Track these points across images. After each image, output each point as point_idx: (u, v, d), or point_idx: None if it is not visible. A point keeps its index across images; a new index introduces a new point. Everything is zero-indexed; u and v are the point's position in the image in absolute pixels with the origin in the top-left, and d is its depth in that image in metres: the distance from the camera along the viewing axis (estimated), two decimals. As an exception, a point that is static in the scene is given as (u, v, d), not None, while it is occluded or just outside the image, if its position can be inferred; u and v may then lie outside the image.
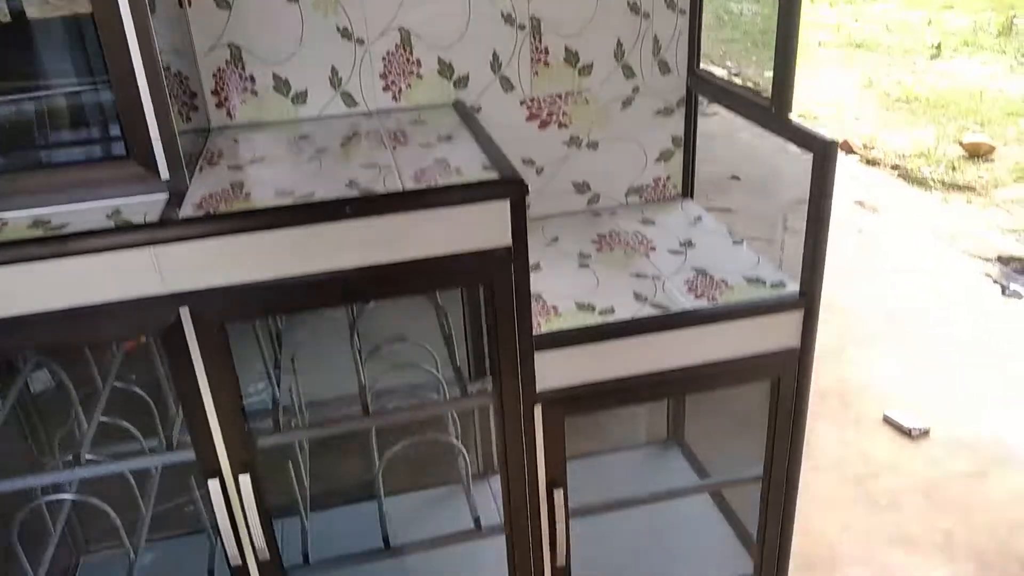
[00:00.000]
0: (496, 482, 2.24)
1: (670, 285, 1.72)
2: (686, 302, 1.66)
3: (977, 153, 5.20)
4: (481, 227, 1.41)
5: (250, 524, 1.54)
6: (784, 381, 1.72)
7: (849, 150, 5.27)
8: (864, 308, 3.52)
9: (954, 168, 5.07)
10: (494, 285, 1.45)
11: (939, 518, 2.48)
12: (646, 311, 1.64)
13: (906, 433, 2.83)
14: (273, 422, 1.59)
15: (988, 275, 3.81)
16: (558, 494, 1.67)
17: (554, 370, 1.58)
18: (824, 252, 1.61)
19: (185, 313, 1.36)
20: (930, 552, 2.38)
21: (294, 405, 1.93)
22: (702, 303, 1.65)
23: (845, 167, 4.88)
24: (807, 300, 1.64)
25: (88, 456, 1.73)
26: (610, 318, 1.62)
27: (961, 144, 5.31)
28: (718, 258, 1.82)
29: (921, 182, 4.93)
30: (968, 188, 4.83)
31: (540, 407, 1.60)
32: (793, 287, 1.68)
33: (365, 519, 1.82)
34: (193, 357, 1.40)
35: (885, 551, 2.39)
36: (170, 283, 1.34)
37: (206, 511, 1.79)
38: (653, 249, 1.87)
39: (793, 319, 1.66)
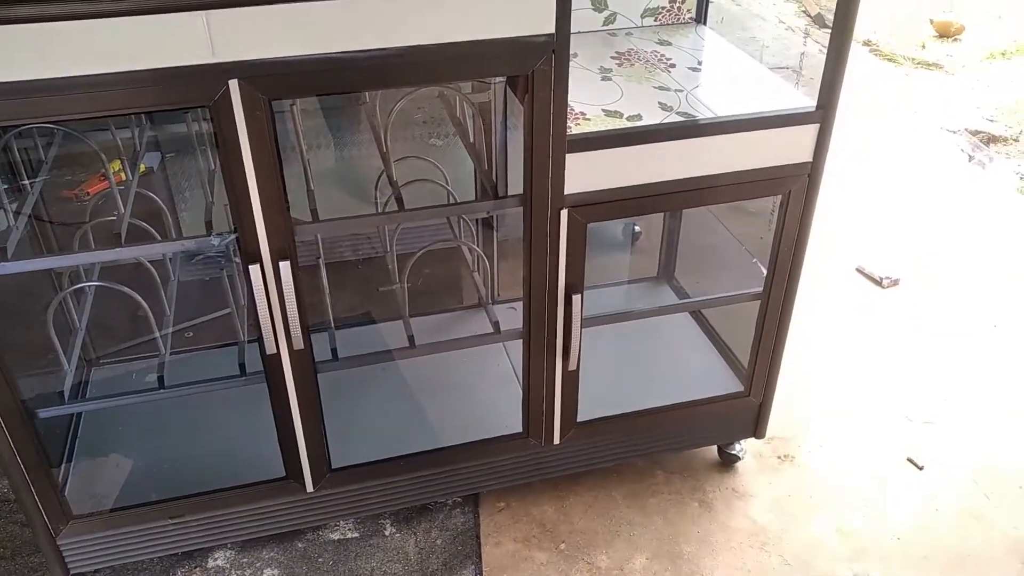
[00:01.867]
0: (499, 308, 2.34)
1: (693, 98, 1.76)
2: (709, 113, 1.71)
3: (947, 33, 5.28)
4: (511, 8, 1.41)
5: (288, 310, 1.59)
6: (794, 195, 1.80)
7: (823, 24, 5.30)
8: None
9: (923, 47, 5.15)
10: (534, 74, 1.47)
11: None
12: (673, 119, 1.68)
13: (877, 282, 2.99)
14: (311, 211, 1.61)
15: (957, 146, 3.94)
16: (576, 299, 1.75)
17: (582, 175, 1.63)
18: (844, 69, 1.67)
19: (234, 86, 1.36)
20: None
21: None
22: (725, 110, 1.71)
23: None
24: (823, 114, 1.71)
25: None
26: (639, 123, 1.66)
27: (932, 22, 5.38)
28: (737, 75, 1.87)
29: (891, 59, 5.01)
30: (936, 66, 4.93)
31: (566, 212, 1.66)
32: (810, 102, 1.74)
33: (388, 333, 1.89)
34: (240, 133, 1.41)
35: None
36: (220, 52, 1.33)
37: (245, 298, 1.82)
38: (673, 66, 1.90)
39: (808, 133, 1.73)
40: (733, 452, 2.23)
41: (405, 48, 1.40)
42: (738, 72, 1.91)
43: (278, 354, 1.66)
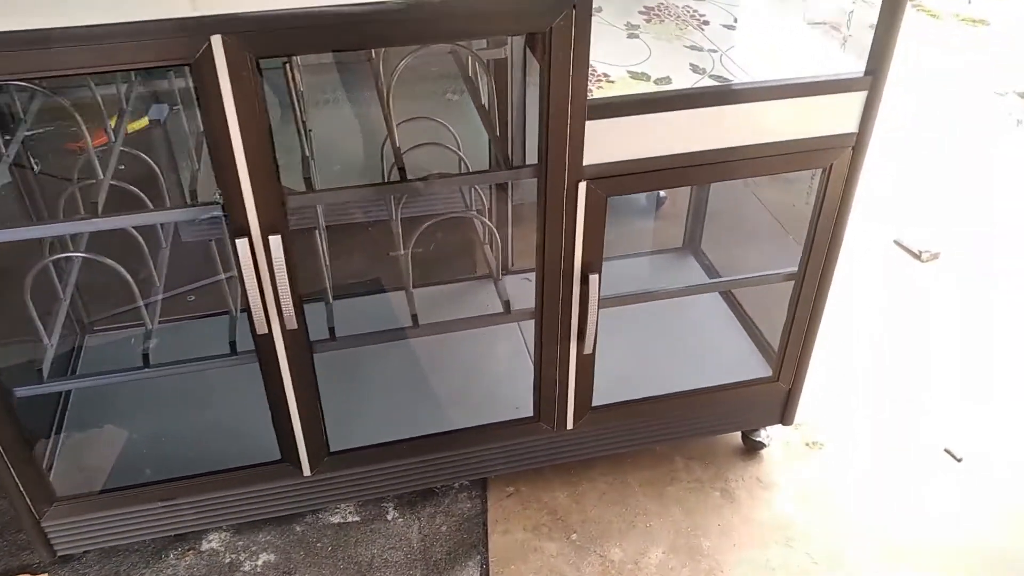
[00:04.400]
0: (512, 279, 2.20)
1: (728, 59, 1.60)
2: (746, 76, 1.55)
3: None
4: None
5: (279, 289, 1.47)
6: (836, 169, 1.64)
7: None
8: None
9: (970, 1, 4.88)
10: (552, 32, 1.32)
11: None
12: (705, 83, 1.52)
13: (916, 256, 2.82)
14: (305, 180, 1.48)
15: (1005, 110, 3.72)
16: (593, 280, 1.62)
17: (603, 144, 1.48)
18: (897, 31, 1.50)
19: (217, 43, 1.22)
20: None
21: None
22: (761, 73, 1.55)
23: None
24: (872, 80, 1.54)
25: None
26: (667, 87, 1.50)
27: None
28: (777, 34, 1.69)
29: (934, 15, 4.75)
30: (983, 22, 4.67)
31: (584, 185, 1.51)
32: (858, 67, 1.57)
33: (391, 305, 1.76)
34: (224, 96, 1.27)
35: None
36: (201, 4, 1.19)
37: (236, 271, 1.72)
38: (707, 23, 1.73)
39: (855, 102, 1.56)
40: (758, 439, 2.10)
41: (408, 2, 1.25)
42: (778, 30, 1.74)
43: (270, 334, 1.55)
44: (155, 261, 1.82)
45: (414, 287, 1.73)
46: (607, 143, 1.49)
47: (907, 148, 3.41)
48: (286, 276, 1.45)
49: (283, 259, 1.43)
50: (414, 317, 1.65)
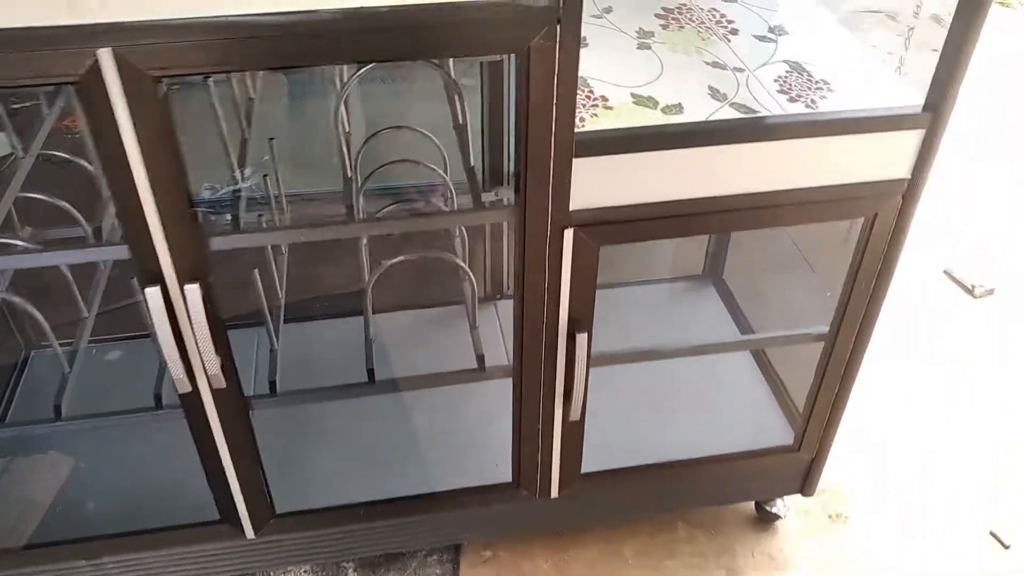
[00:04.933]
0: (505, 306, 1.95)
1: (756, 82, 1.32)
2: (776, 105, 1.27)
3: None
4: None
5: (200, 346, 1.23)
6: (881, 220, 1.36)
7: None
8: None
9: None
10: (531, 53, 1.06)
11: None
12: (724, 113, 1.25)
13: (969, 291, 2.52)
14: (232, 219, 1.24)
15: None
16: (581, 339, 1.36)
17: (596, 184, 1.22)
18: (967, 60, 1.21)
19: (107, 58, 0.98)
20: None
21: (271, 198, 1.59)
22: (797, 108, 1.27)
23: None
24: (932, 118, 1.25)
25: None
26: (677, 118, 1.23)
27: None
28: (820, 51, 1.41)
29: (1003, 2, 4.36)
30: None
31: (572, 232, 1.25)
32: (915, 99, 1.28)
33: (350, 336, 1.51)
34: (120, 123, 1.03)
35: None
36: (82, 10, 0.95)
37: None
38: (735, 32, 1.45)
39: (909, 142, 1.28)
40: (773, 510, 1.84)
41: (343, 11, 0.99)
42: (820, 47, 1.45)
43: (196, 392, 1.32)
44: (89, 287, 1.60)
45: (385, 311, 1.49)
46: (600, 184, 1.23)
47: (961, 165, 3.07)
48: (207, 331, 1.22)
49: (203, 312, 1.20)
50: (370, 373, 1.41)
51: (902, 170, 1.31)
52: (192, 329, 1.21)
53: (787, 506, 1.85)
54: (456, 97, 1.36)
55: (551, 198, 1.21)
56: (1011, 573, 1.77)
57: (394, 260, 1.42)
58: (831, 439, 1.70)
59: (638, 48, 1.40)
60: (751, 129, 1.22)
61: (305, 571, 1.74)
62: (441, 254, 1.39)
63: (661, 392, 1.83)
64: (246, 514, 1.53)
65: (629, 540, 1.82)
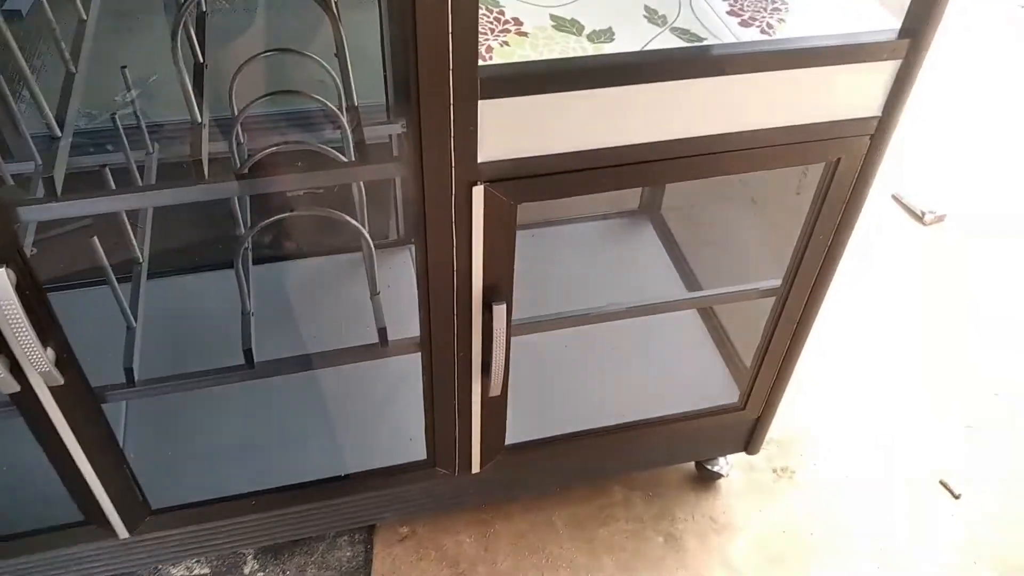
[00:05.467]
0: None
1: (701, 1, 1.09)
2: (725, 31, 1.05)
3: None
4: None
5: (20, 343, 0.99)
6: (845, 164, 1.16)
7: None
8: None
9: None
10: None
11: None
12: (664, 40, 1.02)
13: (918, 217, 2.37)
14: (44, 183, 0.98)
15: None
16: (499, 311, 1.15)
17: (509, 131, 0.99)
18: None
19: None
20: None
21: (124, 140, 1.32)
22: (751, 34, 1.05)
23: None
24: (911, 47, 1.04)
25: None
26: (607, 47, 1.00)
27: None
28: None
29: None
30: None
31: (481, 190, 1.03)
32: (889, 23, 1.07)
33: (230, 293, 1.27)
34: None
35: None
36: None
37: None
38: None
39: (881, 75, 1.07)
40: (715, 469, 1.70)
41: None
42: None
43: (30, 390, 1.08)
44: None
45: (276, 259, 1.25)
46: (514, 131, 1.00)
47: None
48: (28, 325, 0.97)
49: (16, 303, 0.95)
50: (248, 355, 1.18)
51: (872, 108, 1.11)
52: (7, 323, 0.97)
53: (730, 463, 1.71)
54: (331, 17, 1.09)
55: (453, 150, 0.98)
56: (960, 524, 1.68)
57: (267, 221, 1.17)
58: (779, 397, 1.55)
59: (558, -46, 1.15)
60: (695, 63, 1.00)
61: (197, 562, 1.55)
62: (327, 211, 1.15)
63: (593, 350, 1.65)
64: (115, 513, 1.32)
65: (560, 508, 1.67)
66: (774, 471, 1.76)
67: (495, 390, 1.27)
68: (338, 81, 1.22)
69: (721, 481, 1.73)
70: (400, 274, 1.73)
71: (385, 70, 1.52)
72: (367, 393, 1.50)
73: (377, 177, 1.06)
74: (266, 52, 1.31)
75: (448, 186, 1.02)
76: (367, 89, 1.54)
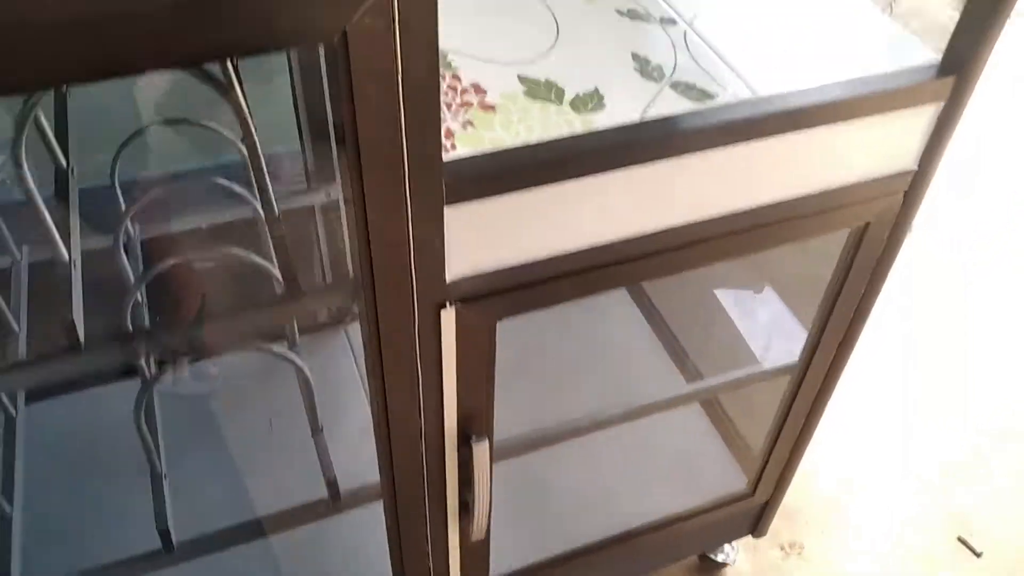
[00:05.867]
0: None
1: (697, 39, 0.88)
2: (731, 76, 0.84)
3: None
4: None
5: None
6: (874, 229, 0.97)
7: None
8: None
9: None
10: (348, 41, 0.57)
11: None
12: (665, 100, 0.80)
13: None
14: None
15: None
16: (480, 449, 0.92)
17: (484, 238, 0.76)
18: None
19: None
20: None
21: None
22: (763, 79, 0.84)
23: None
24: (956, 84, 0.86)
25: None
26: (596, 116, 0.78)
27: None
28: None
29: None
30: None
31: (452, 312, 0.79)
32: (926, 58, 0.88)
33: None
34: None
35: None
36: None
37: None
38: (654, -30, 0.99)
39: (920, 120, 0.89)
40: (720, 558, 1.50)
41: None
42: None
43: None
44: None
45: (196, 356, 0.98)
46: (489, 239, 0.77)
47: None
48: None
49: None
50: (164, 536, 0.91)
51: (906, 160, 0.92)
52: None
53: (735, 548, 1.51)
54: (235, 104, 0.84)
55: (414, 271, 0.74)
56: (989, 588, 1.53)
57: (180, 359, 0.90)
58: (791, 477, 1.36)
59: (517, -5, 0.93)
60: (710, 132, 0.78)
61: None
62: (258, 346, 0.89)
63: (582, 453, 1.41)
64: None
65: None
66: (781, 548, 1.57)
67: (478, 534, 1.03)
68: (249, 164, 0.97)
69: (726, 569, 1.52)
70: (337, 361, 1.47)
71: (301, 135, 1.27)
72: (318, 555, 1.22)
73: (316, 307, 0.81)
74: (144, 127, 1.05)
75: (410, 314, 0.78)
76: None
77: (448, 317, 0.80)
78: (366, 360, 0.83)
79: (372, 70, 0.59)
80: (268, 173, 0.96)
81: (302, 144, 1.22)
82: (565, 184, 0.75)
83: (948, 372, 1.90)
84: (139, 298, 0.99)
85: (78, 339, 0.71)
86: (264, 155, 1.02)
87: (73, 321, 0.71)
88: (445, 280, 0.77)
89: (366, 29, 0.57)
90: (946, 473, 1.70)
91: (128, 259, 1.02)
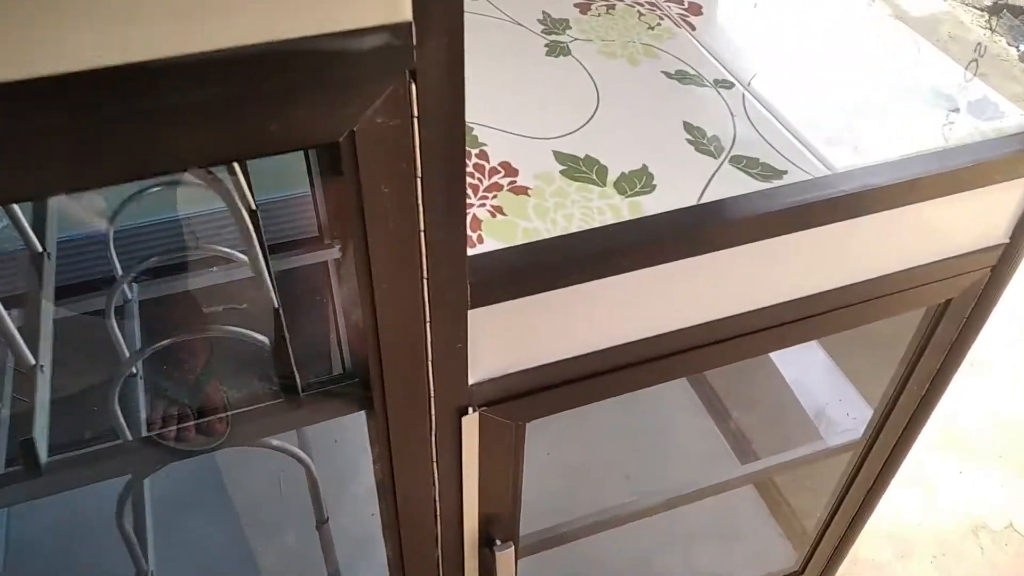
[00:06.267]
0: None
1: (755, 103, 0.77)
2: (804, 152, 0.73)
3: None
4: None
5: None
6: (956, 305, 0.86)
7: None
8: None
9: None
10: (357, 142, 0.47)
11: None
12: (727, 180, 0.70)
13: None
14: None
15: None
16: (504, 555, 0.82)
17: (512, 340, 0.67)
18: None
19: None
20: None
21: None
22: (836, 153, 0.73)
23: None
24: (1056, 148, 0.74)
25: None
26: (647, 199, 0.67)
27: None
28: (834, 40, 0.87)
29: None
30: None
31: (475, 417, 0.69)
32: (1017, 121, 0.77)
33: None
34: None
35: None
36: None
37: None
38: (697, 10, 0.88)
39: (1015, 190, 0.77)
40: (763, 632, 1.39)
41: None
42: (835, 31, 0.91)
43: None
44: None
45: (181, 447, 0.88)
46: (519, 339, 0.67)
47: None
48: None
49: None
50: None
51: (996, 234, 0.80)
52: None
53: (779, 622, 1.40)
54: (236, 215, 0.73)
55: (432, 376, 0.65)
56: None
57: (176, 458, 0.81)
58: (845, 554, 1.24)
59: (549, 54, 0.82)
60: (781, 218, 0.68)
61: None
62: (268, 443, 0.79)
63: (623, 530, 1.30)
64: None
65: None
66: (830, 618, 1.46)
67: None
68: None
69: (771, 642, 1.41)
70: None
71: (312, 183, 1.18)
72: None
73: (325, 419, 0.71)
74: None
75: (426, 421, 0.68)
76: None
77: (471, 423, 0.70)
78: (374, 463, 0.74)
79: (385, 171, 0.50)
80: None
81: (313, 194, 1.12)
82: (612, 280, 0.65)
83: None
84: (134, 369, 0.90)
85: (37, 462, 0.62)
86: (273, 200, 0.93)
87: (34, 441, 0.62)
88: (467, 383, 0.67)
89: (377, 128, 0.47)
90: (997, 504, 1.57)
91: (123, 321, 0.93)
